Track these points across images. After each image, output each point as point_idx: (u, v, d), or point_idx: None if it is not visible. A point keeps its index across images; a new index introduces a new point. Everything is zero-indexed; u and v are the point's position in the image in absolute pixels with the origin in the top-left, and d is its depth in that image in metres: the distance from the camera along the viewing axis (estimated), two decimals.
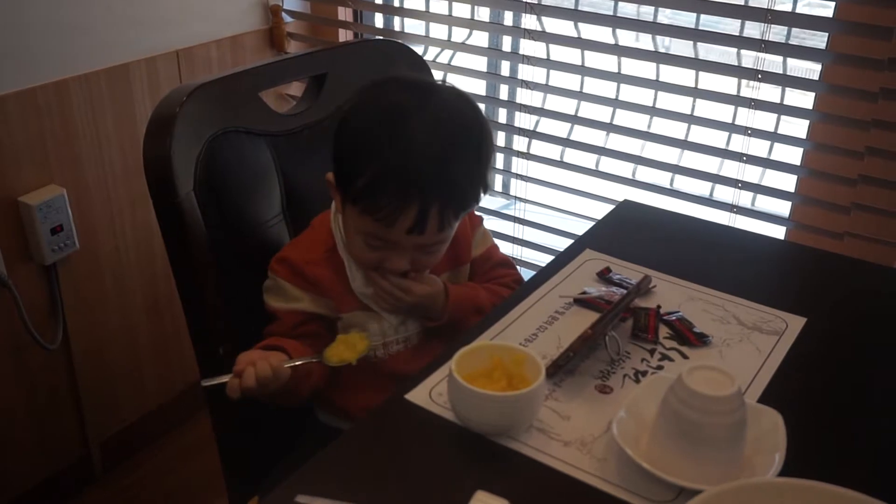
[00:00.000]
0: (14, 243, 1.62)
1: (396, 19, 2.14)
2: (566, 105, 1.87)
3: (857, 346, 1.07)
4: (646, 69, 1.76)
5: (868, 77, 1.49)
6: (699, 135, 1.74)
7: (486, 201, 1.44)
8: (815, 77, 1.61)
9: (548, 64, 1.84)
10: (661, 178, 1.82)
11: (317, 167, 1.17)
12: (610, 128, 1.83)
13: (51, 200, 1.62)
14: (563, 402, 0.92)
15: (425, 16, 2.05)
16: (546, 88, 1.86)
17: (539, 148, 1.93)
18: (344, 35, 2.16)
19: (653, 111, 1.77)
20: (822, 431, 0.90)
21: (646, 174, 1.83)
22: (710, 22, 1.84)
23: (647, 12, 1.81)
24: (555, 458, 0.84)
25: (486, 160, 1.06)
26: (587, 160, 1.89)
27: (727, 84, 1.67)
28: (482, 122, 1.06)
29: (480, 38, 2.04)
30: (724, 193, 1.75)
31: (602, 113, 1.83)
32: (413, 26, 2.13)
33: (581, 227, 1.47)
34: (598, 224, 1.37)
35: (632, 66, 1.78)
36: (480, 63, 2.05)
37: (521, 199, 1.99)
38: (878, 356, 1.05)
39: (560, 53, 1.84)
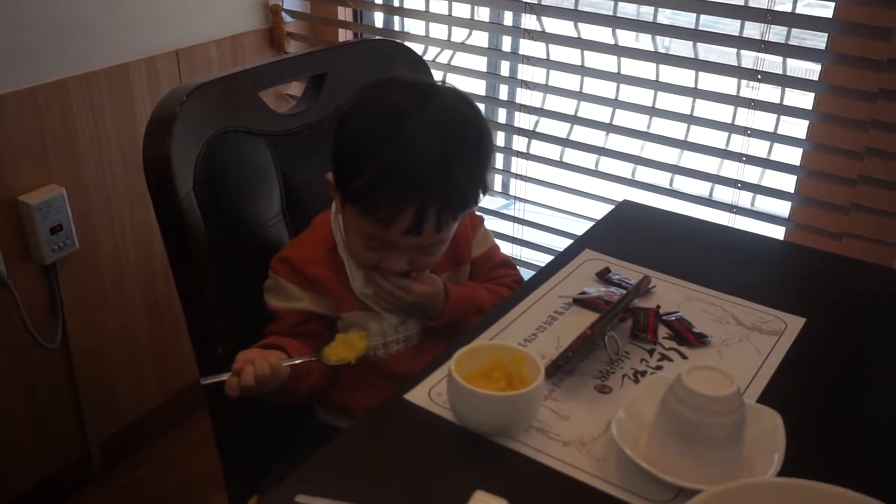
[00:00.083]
0: (13, 243, 1.62)
1: (396, 19, 2.14)
2: (566, 105, 1.87)
3: (857, 347, 1.07)
4: (645, 69, 1.76)
5: (867, 77, 1.49)
6: (699, 135, 1.74)
7: (486, 201, 1.43)
8: (815, 77, 1.61)
9: (547, 64, 1.84)
10: (661, 178, 1.82)
11: (316, 167, 1.17)
12: (609, 128, 1.83)
13: (50, 200, 1.62)
14: (562, 402, 0.92)
15: (425, 16, 2.05)
16: (546, 88, 1.86)
17: (539, 148, 1.93)
18: (344, 35, 2.16)
19: (652, 111, 1.77)
20: (821, 431, 0.90)
21: (645, 174, 1.84)
22: (709, 22, 1.84)
23: (646, 12, 1.81)
24: (554, 457, 0.84)
25: (485, 161, 1.06)
26: (587, 160, 1.89)
27: (727, 84, 1.67)
28: (481, 123, 1.06)
29: (480, 38, 2.04)
30: (723, 194, 1.75)
31: (602, 113, 1.83)
32: (413, 26, 2.13)
33: (580, 228, 1.47)
34: (598, 224, 1.37)
35: (631, 67, 1.78)
36: (480, 63, 2.05)
37: (520, 199, 1.99)
38: (877, 356, 1.05)
39: (560, 53, 1.84)
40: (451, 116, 1.03)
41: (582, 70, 1.80)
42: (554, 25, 1.82)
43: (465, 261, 1.21)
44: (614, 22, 1.78)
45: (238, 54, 1.99)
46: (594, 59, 1.79)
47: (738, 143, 1.66)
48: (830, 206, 1.59)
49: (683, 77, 1.70)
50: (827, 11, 1.54)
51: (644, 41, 1.89)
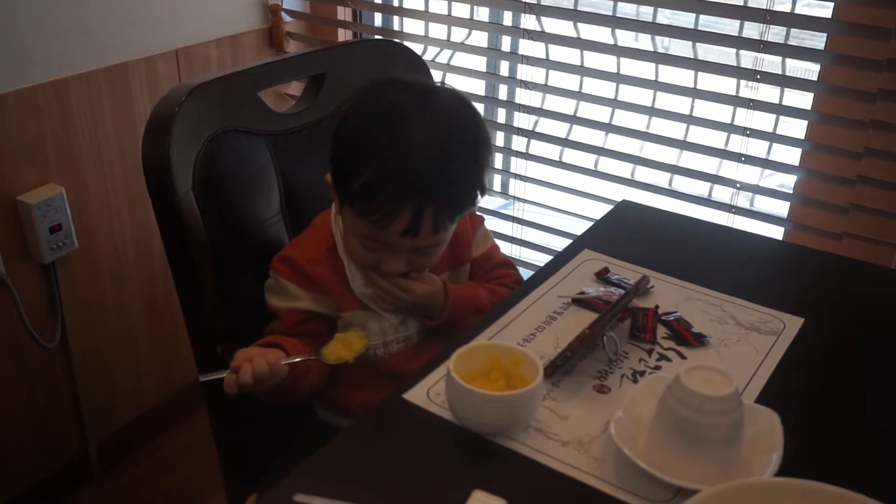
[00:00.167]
0: (13, 242, 1.62)
1: (396, 19, 2.14)
2: (565, 105, 1.87)
3: (856, 347, 1.07)
4: (645, 69, 1.76)
5: (867, 78, 1.49)
6: (698, 135, 1.74)
7: (485, 201, 1.44)
8: (814, 77, 1.61)
9: (547, 64, 1.84)
10: (660, 178, 1.82)
11: (316, 167, 1.17)
12: (609, 128, 1.83)
13: (49, 199, 1.62)
14: (560, 402, 0.92)
15: (424, 16, 2.05)
16: (545, 88, 1.86)
17: (538, 148, 1.93)
18: (343, 35, 2.16)
19: (652, 111, 1.77)
20: (819, 431, 0.90)
21: (644, 174, 1.84)
22: (709, 22, 1.84)
23: (646, 12, 1.81)
24: (552, 457, 0.84)
25: (483, 163, 1.06)
26: (586, 160, 1.89)
27: (726, 84, 1.67)
28: (479, 124, 1.06)
29: (480, 38, 2.04)
30: (722, 194, 1.75)
31: (601, 113, 1.83)
32: (412, 26, 2.13)
33: (580, 228, 1.47)
34: (597, 224, 1.37)
35: (631, 67, 1.78)
36: (479, 63, 2.05)
37: (519, 199, 1.99)
38: (876, 356, 1.05)
39: (559, 53, 1.84)
40: (448, 118, 1.02)
41: (581, 70, 1.81)
42: (553, 25, 1.82)
43: (464, 261, 1.21)
44: (614, 22, 1.78)
45: (237, 54, 1.99)
46: (593, 59, 1.79)
47: (738, 144, 1.66)
48: (829, 206, 1.60)
49: (683, 77, 1.70)
50: (826, 11, 1.54)
51: (643, 41, 1.89)
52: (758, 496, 0.68)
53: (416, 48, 1.65)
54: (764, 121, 1.64)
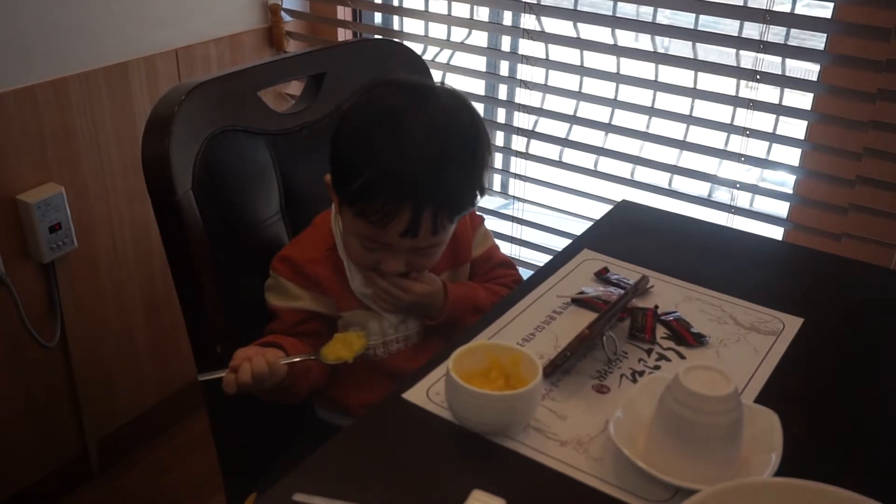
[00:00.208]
0: (12, 241, 1.62)
1: (395, 18, 2.14)
2: (565, 105, 1.87)
3: (855, 347, 1.07)
4: (645, 69, 1.76)
5: (866, 78, 1.49)
6: (698, 135, 1.74)
7: (485, 201, 1.44)
8: (814, 78, 1.61)
9: (547, 64, 1.84)
10: (660, 178, 1.82)
11: (315, 166, 1.17)
12: (608, 128, 1.83)
13: (49, 199, 1.62)
14: (559, 402, 0.92)
15: (424, 15, 2.05)
16: (545, 88, 1.86)
17: (538, 148, 1.93)
18: (343, 34, 2.16)
19: (651, 111, 1.77)
20: (818, 432, 0.90)
21: (644, 174, 1.84)
22: (708, 22, 1.84)
23: (646, 12, 1.81)
24: (551, 457, 0.84)
25: (482, 164, 1.06)
26: (586, 160, 1.89)
27: (726, 84, 1.67)
28: (478, 125, 1.06)
29: (479, 38, 2.04)
30: (722, 194, 1.75)
31: (601, 113, 1.83)
32: (412, 26, 2.13)
33: (579, 227, 1.47)
34: (597, 224, 1.37)
35: (631, 67, 1.78)
36: (479, 63, 2.05)
37: (519, 199, 1.99)
38: (875, 356, 1.05)
39: (559, 53, 1.84)
40: (447, 119, 1.02)
41: (581, 70, 1.81)
42: (553, 25, 1.82)
43: (464, 260, 1.21)
44: (613, 22, 1.78)
45: (237, 53, 1.99)
46: (593, 59, 1.79)
47: (737, 144, 1.66)
48: (829, 206, 1.60)
49: (682, 77, 1.70)
50: (826, 12, 1.54)
51: (643, 41, 1.89)
52: (757, 496, 0.68)
53: (416, 48, 1.65)
54: (764, 121, 1.64)
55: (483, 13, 2.06)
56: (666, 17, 1.88)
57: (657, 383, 0.86)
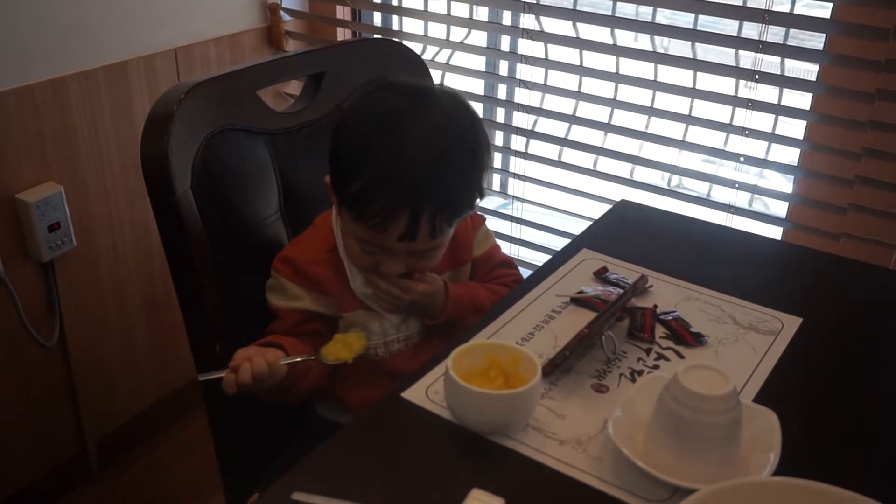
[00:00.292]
0: (11, 241, 1.62)
1: (395, 18, 2.14)
2: (564, 105, 1.87)
3: (854, 347, 1.07)
4: (644, 69, 1.76)
5: (865, 78, 1.49)
6: (697, 135, 1.74)
7: (484, 201, 1.43)
8: (813, 78, 1.61)
9: (546, 64, 1.84)
10: (659, 178, 1.82)
11: (314, 165, 1.17)
12: (608, 128, 1.83)
13: (48, 198, 1.62)
14: (559, 401, 0.92)
15: (424, 15, 2.05)
16: (544, 88, 1.86)
17: (537, 147, 1.93)
18: (342, 34, 2.16)
19: (651, 111, 1.77)
20: (817, 431, 0.91)
21: (643, 174, 1.84)
22: (708, 22, 1.84)
23: (645, 12, 1.81)
24: (550, 456, 0.84)
25: (481, 168, 1.06)
26: (585, 160, 1.89)
27: (725, 84, 1.68)
28: (478, 128, 1.06)
29: (479, 38, 2.04)
30: (721, 194, 1.75)
31: (600, 113, 1.83)
32: (411, 25, 2.13)
33: (578, 227, 1.47)
34: (596, 224, 1.37)
35: (630, 67, 1.78)
36: (479, 62, 2.05)
37: (518, 199, 1.99)
38: (874, 356, 1.05)
39: (558, 53, 1.84)
40: (446, 122, 1.02)
41: (580, 70, 1.81)
42: (552, 25, 1.82)
43: (465, 260, 1.21)
44: (613, 22, 1.78)
45: (236, 53, 1.99)
46: (593, 59, 1.79)
47: (736, 144, 1.66)
48: (828, 206, 1.60)
49: (682, 77, 1.70)
50: (825, 12, 1.54)
51: (643, 41, 1.89)
52: (755, 495, 0.68)
53: (416, 47, 1.65)
54: (763, 121, 1.64)
55: (482, 13, 2.06)
56: (665, 17, 1.88)
57: (656, 383, 0.86)
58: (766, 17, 1.53)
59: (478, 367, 0.89)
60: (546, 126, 1.91)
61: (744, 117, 1.64)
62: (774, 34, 1.58)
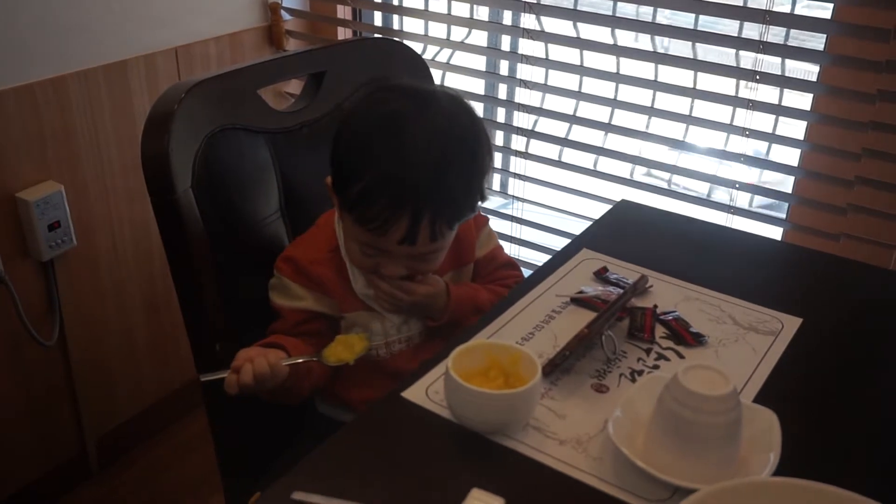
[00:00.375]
0: (11, 240, 1.62)
1: (395, 18, 2.14)
2: (565, 105, 1.87)
3: (854, 347, 1.07)
4: (644, 69, 1.76)
5: (866, 79, 1.49)
6: (697, 135, 1.74)
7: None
8: (814, 78, 1.61)
9: (546, 63, 1.84)
10: (659, 178, 1.82)
11: (315, 165, 1.17)
12: (608, 128, 1.83)
13: (48, 197, 1.62)
14: (559, 401, 0.92)
15: (424, 14, 2.05)
16: (545, 88, 1.86)
17: (537, 147, 1.93)
18: (343, 33, 2.16)
19: (651, 111, 1.77)
20: (817, 431, 0.91)
21: (643, 174, 1.84)
22: (708, 22, 1.84)
23: (646, 12, 1.81)
24: (550, 456, 0.84)
25: (481, 171, 1.06)
26: (585, 160, 1.89)
27: (725, 85, 1.68)
28: (479, 130, 1.06)
29: (479, 38, 2.04)
30: (721, 194, 1.75)
31: (600, 113, 1.83)
32: (412, 25, 2.13)
33: (578, 227, 1.47)
34: (596, 224, 1.37)
35: (630, 67, 1.78)
36: (479, 62, 2.05)
37: (519, 199, 1.99)
38: (874, 356, 1.05)
39: (559, 53, 1.84)
40: (447, 124, 1.01)
41: (581, 70, 1.81)
42: (553, 25, 1.82)
43: (468, 261, 1.21)
44: (613, 22, 1.78)
45: (237, 52, 1.99)
46: (593, 59, 1.79)
47: (737, 144, 1.66)
48: (828, 207, 1.60)
49: (682, 77, 1.70)
50: (825, 12, 1.54)
51: (643, 41, 1.89)
52: (755, 496, 0.68)
53: (416, 47, 1.65)
54: (763, 121, 1.64)
55: (483, 13, 2.06)
56: (666, 17, 1.88)
57: (656, 383, 0.86)
58: (767, 17, 1.53)
59: (478, 367, 0.89)
60: (546, 126, 1.91)
61: (744, 117, 1.64)
62: (775, 34, 1.58)
